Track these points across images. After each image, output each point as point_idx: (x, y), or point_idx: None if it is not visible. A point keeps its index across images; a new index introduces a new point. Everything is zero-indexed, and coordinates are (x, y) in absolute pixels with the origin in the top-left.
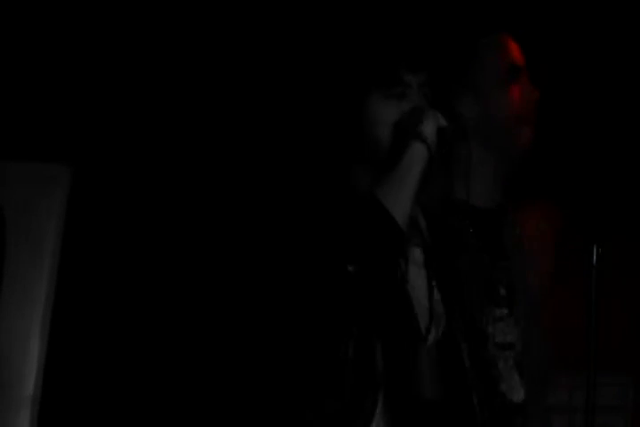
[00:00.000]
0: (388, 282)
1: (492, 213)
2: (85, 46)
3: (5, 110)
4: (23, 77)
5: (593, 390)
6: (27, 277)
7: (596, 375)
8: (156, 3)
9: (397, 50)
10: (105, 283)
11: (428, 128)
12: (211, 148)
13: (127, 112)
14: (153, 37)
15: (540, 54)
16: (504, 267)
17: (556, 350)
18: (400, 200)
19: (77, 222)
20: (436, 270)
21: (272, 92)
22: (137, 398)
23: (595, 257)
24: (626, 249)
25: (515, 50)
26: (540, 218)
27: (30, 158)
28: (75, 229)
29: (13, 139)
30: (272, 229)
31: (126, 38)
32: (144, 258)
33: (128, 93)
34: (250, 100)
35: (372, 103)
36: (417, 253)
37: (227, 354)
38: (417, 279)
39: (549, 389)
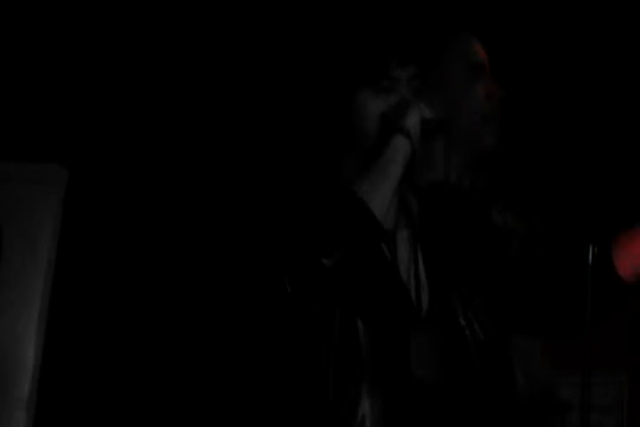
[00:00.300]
0: (373, 267)
1: (472, 195)
2: (84, 49)
3: (2, 112)
4: (20, 79)
5: (588, 388)
6: (22, 279)
7: (591, 374)
8: (153, 3)
9: (387, 43)
10: (101, 284)
11: (411, 121)
12: (205, 146)
13: (123, 114)
14: (149, 41)
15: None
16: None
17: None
18: (380, 193)
19: (73, 223)
20: (424, 246)
21: (264, 85)
22: (131, 399)
23: (590, 257)
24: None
25: (479, 48)
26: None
27: (27, 159)
28: (71, 229)
29: (10, 139)
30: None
31: (123, 42)
32: (140, 259)
33: (124, 95)
34: (241, 95)
35: (360, 97)
36: (405, 234)
37: (216, 349)
38: (404, 257)
39: None
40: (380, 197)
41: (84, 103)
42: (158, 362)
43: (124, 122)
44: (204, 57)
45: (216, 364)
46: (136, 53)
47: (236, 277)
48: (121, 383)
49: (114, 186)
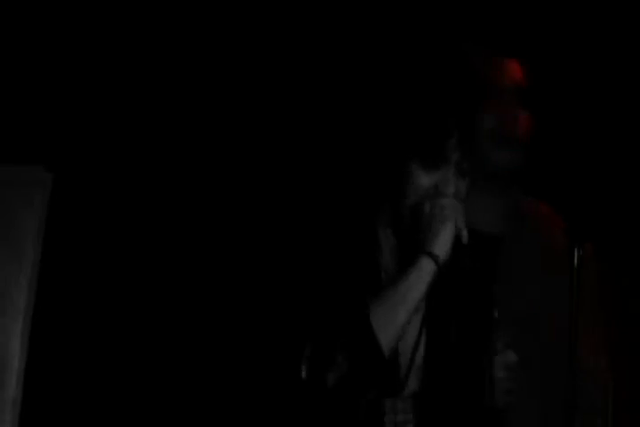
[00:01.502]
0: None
1: (493, 239)
2: (70, 49)
3: None
4: (4, 81)
5: (573, 390)
6: (7, 280)
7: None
8: (143, 3)
9: (447, 124)
10: (86, 286)
11: (444, 246)
12: (197, 152)
13: (109, 116)
14: (138, 42)
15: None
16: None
17: None
18: (393, 325)
19: (58, 225)
20: (430, 331)
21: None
22: (119, 399)
23: (576, 259)
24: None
25: (506, 69)
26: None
27: (11, 161)
28: (55, 232)
29: None
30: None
31: (109, 45)
32: (125, 261)
33: (111, 97)
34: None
35: (409, 168)
36: (417, 317)
37: (206, 354)
38: (409, 341)
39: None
40: (393, 327)
41: (69, 106)
42: (145, 362)
43: (110, 125)
44: (190, 66)
45: (203, 366)
46: (123, 55)
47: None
48: (108, 382)
49: (99, 189)
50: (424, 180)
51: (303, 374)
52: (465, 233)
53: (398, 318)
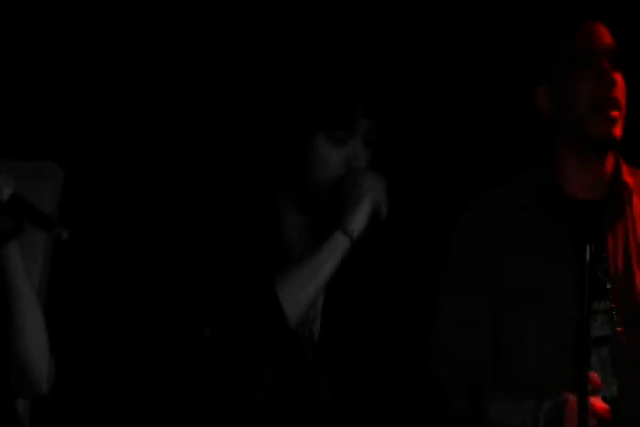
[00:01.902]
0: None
1: (593, 204)
2: (81, 48)
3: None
4: (17, 77)
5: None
6: None
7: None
8: (151, 4)
9: (355, 90)
10: (97, 281)
11: (359, 223)
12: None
13: (121, 114)
14: (145, 40)
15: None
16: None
17: None
18: (304, 294)
19: (70, 221)
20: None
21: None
22: (122, 398)
23: (588, 256)
24: None
25: (597, 34)
26: None
27: (23, 157)
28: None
29: (7, 137)
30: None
31: (120, 41)
32: (137, 256)
33: (122, 94)
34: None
35: (314, 142)
36: None
37: None
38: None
39: None
40: (302, 301)
41: (83, 102)
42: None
43: (122, 122)
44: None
45: None
46: (134, 53)
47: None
48: (113, 382)
49: (111, 185)
50: (333, 155)
51: (207, 337)
52: (384, 209)
53: (308, 292)
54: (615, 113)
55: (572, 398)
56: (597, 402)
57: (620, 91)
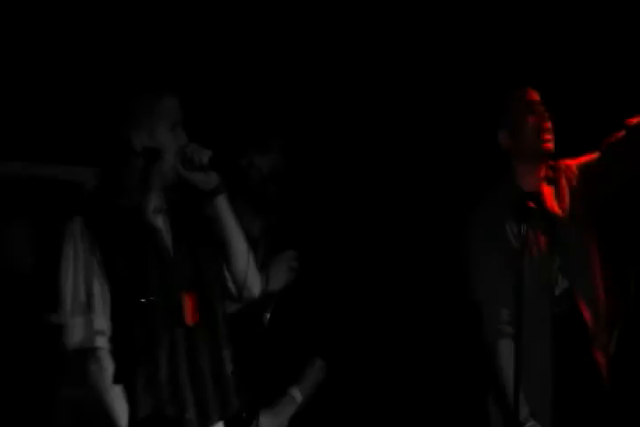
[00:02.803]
0: None
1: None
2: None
3: (31, 115)
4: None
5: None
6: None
7: None
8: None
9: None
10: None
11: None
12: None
13: None
14: (154, 42)
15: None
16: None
17: None
18: (242, 253)
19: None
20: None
21: None
22: None
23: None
24: None
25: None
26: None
27: (58, 162)
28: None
29: (43, 143)
30: None
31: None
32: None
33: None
34: None
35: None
36: None
37: None
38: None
39: None
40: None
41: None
42: None
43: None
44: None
45: None
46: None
47: None
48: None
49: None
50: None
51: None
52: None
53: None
54: (549, 136)
55: None
56: None
57: (550, 121)
